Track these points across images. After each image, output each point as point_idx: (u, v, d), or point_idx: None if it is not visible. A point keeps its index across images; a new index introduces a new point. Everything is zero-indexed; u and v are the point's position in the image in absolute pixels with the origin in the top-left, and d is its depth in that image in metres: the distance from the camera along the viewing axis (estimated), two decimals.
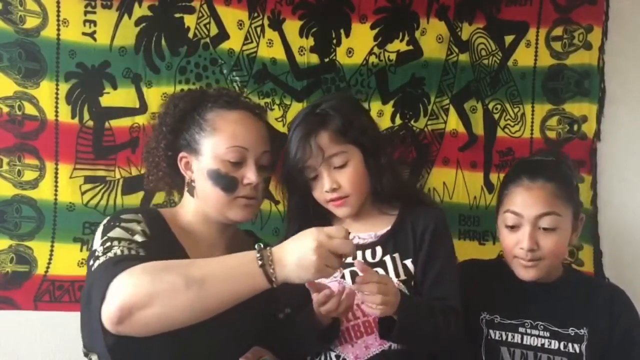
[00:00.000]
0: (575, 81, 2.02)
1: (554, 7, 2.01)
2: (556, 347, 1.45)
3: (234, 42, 1.84)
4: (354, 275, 1.38)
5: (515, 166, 1.64)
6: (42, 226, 1.74)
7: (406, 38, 1.94)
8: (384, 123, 1.95)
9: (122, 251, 1.18)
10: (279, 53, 1.87)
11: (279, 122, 1.88)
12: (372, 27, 1.92)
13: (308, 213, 1.48)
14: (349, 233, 1.18)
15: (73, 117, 1.76)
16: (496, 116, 2.01)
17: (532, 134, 2.02)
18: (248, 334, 1.32)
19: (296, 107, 1.88)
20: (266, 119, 1.46)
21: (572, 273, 1.59)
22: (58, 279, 1.75)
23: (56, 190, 1.75)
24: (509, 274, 1.49)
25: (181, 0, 1.81)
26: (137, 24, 1.78)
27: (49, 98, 1.74)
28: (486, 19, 1.99)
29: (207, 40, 1.83)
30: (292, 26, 1.88)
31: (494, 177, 2.00)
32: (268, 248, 1.13)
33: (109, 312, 1.08)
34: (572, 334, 1.45)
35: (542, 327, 1.46)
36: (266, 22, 1.86)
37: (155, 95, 1.78)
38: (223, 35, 1.84)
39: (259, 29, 1.86)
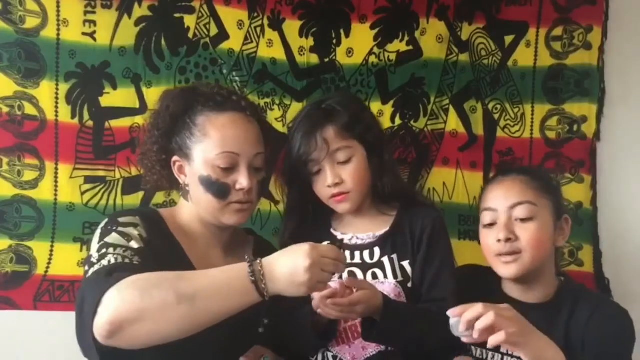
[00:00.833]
0: (575, 81, 2.02)
1: (554, 7, 2.01)
2: None
3: (234, 42, 1.84)
4: (351, 275, 1.40)
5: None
6: (42, 226, 1.74)
7: (406, 38, 1.94)
8: (384, 123, 1.94)
9: (116, 259, 1.17)
10: (279, 53, 1.87)
11: (279, 122, 1.88)
12: (372, 27, 1.92)
13: (307, 209, 1.49)
14: (343, 250, 1.20)
15: (73, 117, 1.76)
16: (496, 116, 2.01)
17: (532, 134, 2.02)
18: (240, 338, 1.31)
19: (296, 107, 1.88)
20: (260, 116, 1.44)
21: (568, 291, 1.46)
22: (58, 279, 1.75)
23: (56, 190, 1.75)
24: (502, 294, 1.46)
25: (181, 0, 1.81)
26: (137, 24, 1.78)
27: (49, 98, 1.74)
28: (486, 19, 1.99)
29: (207, 40, 1.83)
30: (292, 26, 1.88)
31: None
32: (259, 261, 1.12)
33: (99, 326, 1.07)
34: None
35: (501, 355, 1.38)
36: (266, 22, 1.86)
37: (155, 96, 1.75)
38: (223, 35, 1.84)
39: (259, 29, 1.86)
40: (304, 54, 1.89)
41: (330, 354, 1.40)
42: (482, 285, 1.47)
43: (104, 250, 1.19)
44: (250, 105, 1.41)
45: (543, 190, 1.45)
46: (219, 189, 1.30)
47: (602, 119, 2.03)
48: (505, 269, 1.42)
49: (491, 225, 1.45)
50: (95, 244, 1.24)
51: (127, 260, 1.17)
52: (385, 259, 1.42)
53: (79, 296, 1.18)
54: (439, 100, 1.98)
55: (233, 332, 1.22)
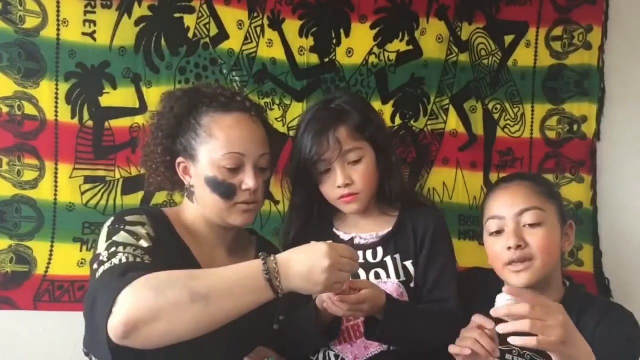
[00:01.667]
0: (575, 81, 2.02)
1: (554, 7, 2.01)
2: None
3: (234, 42, 1.84)
4: (354, 275, 1.36)
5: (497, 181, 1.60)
6: (42, 226, 1.74)
7: (406, 38, 1.94)
8: None
9: (127, 258, 1.16)
10: (279, 53, 1.87)
11: (279, 122, 1.88)
12: (372, 27, 1.92)
13: (312, 210, 1.49)
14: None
15: (73, 117, 1.75)
16: (496, 116, 2.01)
17: (532, 134, 2.02)
18: (253, 337, 1.31)
19: (296, 107, 1.88)
20: (264, 117, 1.45)
21: (575, 296, 1.45)
22: (58, 279, 1.75)
23: (56, 190, 1.75)
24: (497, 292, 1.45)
25: (181, 0, 1.81)
26: (137, 24, 1.78)
27: (49, 98, 1.74)
28: (486, 19, 1.99)
29: (207, 40, 1.83)
30: (292, 26, 1.88)
31: (494, 177, 1.99)
32: (273, 258, 1.12)
33: (114, 327, 1.06)
34: None
35: (529, 356, 1.36)
36: (266, 22, 1.86)
37: (155, 96, 1.77)
38: (223, 35, 1.84)
39: (258, 29, 1.86)
40: (304, 54, 1.89)
41: (332, 353, 1.40)
42: (490, 288, 1.44)
43: (113, 249, 1.18)
44: (254, 105, 1.41)
45: (548, 196, 1.44)
46: (225, 190, 1.30)
47: (602, 118, 2.03)
48: (517, 278, 1.39)
49: (498, 232, 1.42)
50: (103, 243, 1.23)
51: (138, 260, 1.17)
52: (388, 259, 1.42)
53: (89, 295, 1.17)
54: (439, 100, 1.98)
55: (247, 329, 1.22)
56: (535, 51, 2.02)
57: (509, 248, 1.38)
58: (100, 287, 1.13)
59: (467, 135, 2.00)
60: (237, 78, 1.85)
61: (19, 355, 1.73)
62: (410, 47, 1.95)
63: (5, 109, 1.72)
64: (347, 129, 1.41)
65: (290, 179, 1.50)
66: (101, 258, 1.18)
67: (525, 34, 2.01)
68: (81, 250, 1.75)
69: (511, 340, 1.09)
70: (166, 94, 1.42)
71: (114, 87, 1.77)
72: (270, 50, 1.87)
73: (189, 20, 1.81)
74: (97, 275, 1.16)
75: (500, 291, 1.20)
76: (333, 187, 1.42)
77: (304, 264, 1.11)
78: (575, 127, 2.03)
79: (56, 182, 1.75)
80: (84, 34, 1.75)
